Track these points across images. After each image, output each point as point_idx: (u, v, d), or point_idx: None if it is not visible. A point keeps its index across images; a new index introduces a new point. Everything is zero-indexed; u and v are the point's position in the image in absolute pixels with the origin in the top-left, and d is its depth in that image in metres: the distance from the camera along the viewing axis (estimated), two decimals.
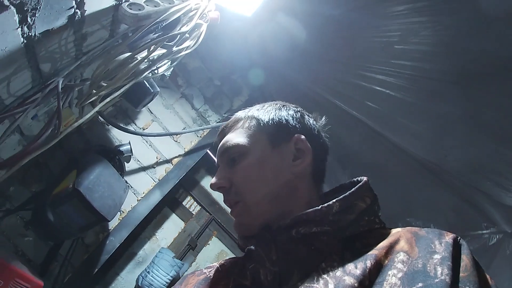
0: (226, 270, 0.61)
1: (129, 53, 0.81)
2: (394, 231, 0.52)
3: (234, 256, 0.69)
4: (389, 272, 0.44)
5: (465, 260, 0.44)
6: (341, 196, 0.53)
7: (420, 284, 0.41)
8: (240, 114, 0.64)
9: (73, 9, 0.73)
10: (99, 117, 1.51)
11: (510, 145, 1.63)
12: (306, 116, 0.64)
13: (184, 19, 0.98)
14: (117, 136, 1.55)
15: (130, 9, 0.84)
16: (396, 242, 0.48)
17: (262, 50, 1.93)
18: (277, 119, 0.61)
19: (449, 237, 0.47)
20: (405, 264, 0.44)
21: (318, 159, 0.61)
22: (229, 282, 0.57)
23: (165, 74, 1.41)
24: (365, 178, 0.57)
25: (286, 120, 0.61)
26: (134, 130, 1.57)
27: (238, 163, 0.59)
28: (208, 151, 1.93)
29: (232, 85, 1.98)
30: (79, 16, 0.77)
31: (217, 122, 1.86)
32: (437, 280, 0.41)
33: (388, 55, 1.58)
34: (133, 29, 0.88)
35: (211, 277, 0.61)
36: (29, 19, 0.64)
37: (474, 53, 1.39)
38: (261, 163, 0.58)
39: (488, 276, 0.44)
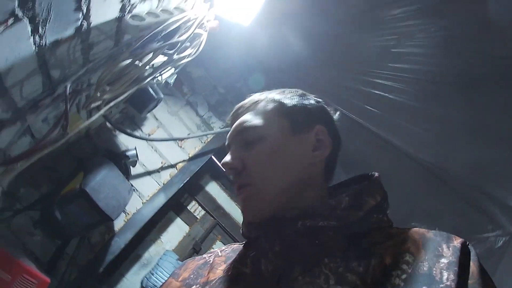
0: (226, 256, 0.62)
1: (131, 60, 0.89)
2: (401, 231, 0.51)
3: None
4: (393, 273, 0.43)
5: (472, 266, 0.43)
6: (351, 191, 0.52)
7: None
8: (258, 96, 0.63)
9: (80, 21, 0.81)
10: (107, 123, 1.61)
11: (507, 149, 1.65)
12: (326, 108, 0.64)
13: (183, 29, 1.06)
14: (124, 141, 1.64)
15: (132, 20, 0.92)
16: (402, 242, 0.48)
17: (264, 57, 2.01)
18: (301, 105, 0.60)
19: (457, 242, 0.46)
20: (410, 266, 0.44)
21: (334, 153, 0.60)
22: (229, 268, 0.57)
23: (168, 81, 1.49)
24: (376, 174, 0.57)
25: (309, 109, 0.60)
26: (140, 135, 1.66)
27: (255, 145, 0.57)
28: (212, 156, 2.00)
29: (236, 93, 2.06)
30: (85, 27, 0.85)
31: (221, 128, 1.93)
32: (442, 286, 0.41)
33: (385, 59, 1.63)
34: (136, 39, 0.96)
35: (211, 261, 0.62)
36: (40, 30, 0.72)
37: (473, 55, 1.43)
38: (280, 149, 0.57)
39: (494, 285, 0.44)
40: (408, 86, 1.67)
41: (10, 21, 0.63)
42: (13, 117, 0.87)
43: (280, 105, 0.60)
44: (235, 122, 0.61)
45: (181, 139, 1.78)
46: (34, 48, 0.76)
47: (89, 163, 1.34)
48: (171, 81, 1.49)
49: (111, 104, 0.98)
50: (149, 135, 1.72)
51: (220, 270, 0.58)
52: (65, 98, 0.85)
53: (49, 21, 0.73)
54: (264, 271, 0.51)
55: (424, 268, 0.43)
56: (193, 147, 1.84)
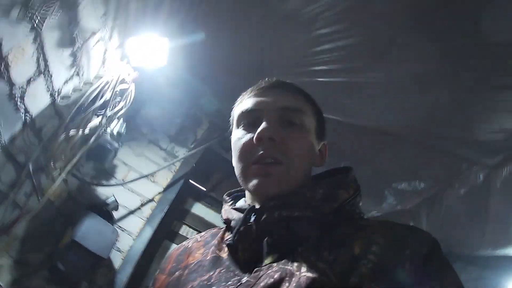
0: (204, 241, 0.72)
1: (64, 133, 1.31)
2: (372, 222, 0.60)
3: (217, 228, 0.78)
4: (360, 262, 0.50)
5: (434, 258, 0.50)
6: (326, 184, 0.63)
7: (387, 276, 0.48)
8: (298, 87, 0.74)
9: (23, 116, 1.24)
10: (85, 181, 2.04)
11: (449, 91, 1.95)
12: None
13: (106, 91, 1.48)
14: (103, 192, 2.06)
15: (61, 101, 1.35)
16: (371, 234, 0.55)
17: (206, 79, 2.39)
18: (323, 120, 0.74)
19: (424, 235, 0.54)
20: (376, 256, 0.51)
21: None
22: (207, 253, 0.67)
23: (120, 131, 1.91)
24: (350, 168, 0.67)
25: (325, 126, 0.75)
26: (115, 183, 2.08)
27: (297, 130, 0.66)
28: (190, 180, 2.40)
29: (192, 119, 2.47)
30: (29, 119, 1.28)
31: (185, 154, 2.34)
32: (403, 274, 0.48)
33: (306, 47, 1.96)
34: (68, 114, 1.38)
35: (189, 246, 0.73)
36: None
37: (378, 18, 1.74)
38: (312, 142, 0.68)
39: (457, 276, 0.51)
40: (335, 65, 2.00)
41: None
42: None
43: (315, 108, 0.72)
44: (274, 94, 0.69)
45: (152, 174, 2.20)
46: None
47: (75, 218, 1.77)
48: (122, 130, 1.90)
49: (68, 168, 1.40)
50: (123, 180, 2.15)
51: (199, 254, 0.68)
52: (31, 175, 1.27)
53: (1, 126, 1.15)
54: (240, 257, 0.60)
55: (389, 259, 0.50)
56: (165, 178, 2.25)
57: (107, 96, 1.46)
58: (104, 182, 2.03)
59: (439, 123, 2.14)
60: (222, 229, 0.73)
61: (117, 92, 1.56)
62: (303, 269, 0.52)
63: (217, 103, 2.43)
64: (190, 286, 0.61)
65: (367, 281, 0.48)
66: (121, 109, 1.63)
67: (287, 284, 0.51)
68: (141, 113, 2.30)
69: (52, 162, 1.32)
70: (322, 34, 1.85)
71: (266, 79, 0.74)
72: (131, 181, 2.11)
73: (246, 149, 0.65)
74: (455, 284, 0.50)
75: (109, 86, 1.46)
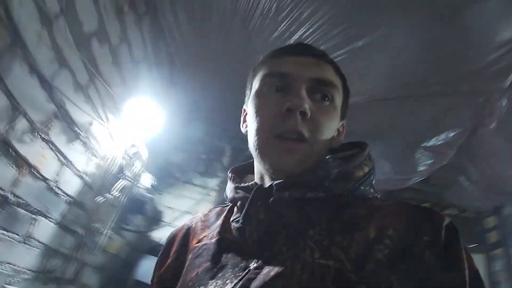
0: (208, 221, 0.71)
1: (94, 201, 1.83)
2: (386, 203, 0.57)
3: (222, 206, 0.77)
4: (376, 247, 0.50)
5: (454, 246, 0.49)
6: (340, 163, 0.60)
7: (404, 265, 0.47)
8: (332, 60, 0.71)
9: (64, 199, 1.79)
10: (138, 231, 2.59)
11: (433, 31, 2.02)
12: None
13: (119, 159, 2.00)
14: (156, 235, 2.59)
15: (89, 178, 1.89)
16: (387, 216, 0.54)
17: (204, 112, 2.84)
18: (349, 96, 0.72)
19: (442, 220, 0.51)
20: (393, 241, 0.50)
21: None
22: (212, 235, 0.65)
23: (152, 183, 2.44)
24: (365, 143, 0.65)
25: (348, 103, 0.73)
26: (165, 224, 2.61)
27: (328, 105, 0.64)
28: None
29: (216, 151, 2.94)
30: (70, 199, 1.83)
31: (217, 185, 2.80)
32: (422, 263, 0.47)
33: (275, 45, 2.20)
34: (97, 186, 1.92)
35: (193, 226, 0.72)
36: (47, 217, 1.71)
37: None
38: (337, 121, 0.67)
39: (475, 265, 0.49)
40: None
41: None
42: (64, 265, 1.86)
43: (345, 84, 0.71)
44: (308, 61, 0.67)
45: (192, 209, 2.69)
46: (54, 225, 1.74)
47: (134, 260, 2.31)
48: (154, 181, 2.41)
49: (111, 225, 1.93)
50: (174, 220, 2.66)
51: (203, 237, 0.67)
52: (84, 237, 1.82)
53: (50, 209, 1.71)
54: (248, 239, 0.59)
55: (407, 245, 0.49)
56: (205, 208, 2.71)
57: (123, 162, 1.98)
58: (154, 227, 2.56)
59: (438, 68, 2.14)
60: (226, 208, 0.72)
61: (132, 155, 2.07)
62: (316, 255, 0.51)
63: (229, 130, 2.86)
64: (195, 272, 0.60)
65: (383, 269, 0.47)
66: (140, 167, 2.15)
67: (299, 271, 0.50)
68: (170, 162, 2.83)
69: (98, 224, 1.85)
70: (276, 37, 2.04)
71: (297, 41, 0.76)
72: (175, 219, 2.62)
73: (270, 118, 0.62)
74: (472, 273, 0.48)
75: (121, 154, 1.97)
